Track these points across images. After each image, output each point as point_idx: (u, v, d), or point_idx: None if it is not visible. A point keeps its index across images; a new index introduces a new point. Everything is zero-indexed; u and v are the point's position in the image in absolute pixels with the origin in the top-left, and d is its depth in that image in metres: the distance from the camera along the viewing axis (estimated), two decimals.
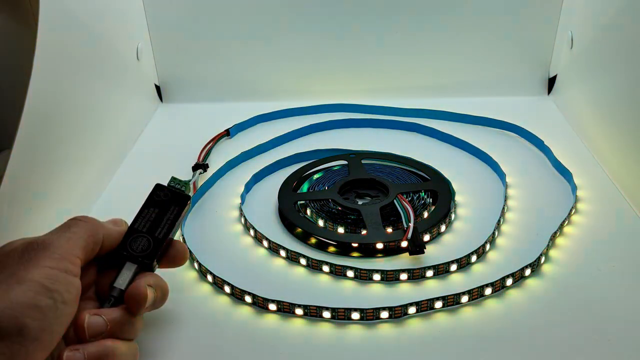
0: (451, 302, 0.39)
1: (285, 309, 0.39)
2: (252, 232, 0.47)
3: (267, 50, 0.71)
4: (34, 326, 0.28)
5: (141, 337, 0.36)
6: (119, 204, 0.51)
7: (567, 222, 0.47)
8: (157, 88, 0.73)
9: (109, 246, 0.35)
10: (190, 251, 0.43)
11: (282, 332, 0.38)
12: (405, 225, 0.45)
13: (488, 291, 0.40)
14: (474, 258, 0.44)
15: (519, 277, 0.41)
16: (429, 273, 0.42)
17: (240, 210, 0.50)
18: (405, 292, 0.41)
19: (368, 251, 0.45)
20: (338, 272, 0.43)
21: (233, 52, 0.71)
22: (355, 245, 0.45)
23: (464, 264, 0.43)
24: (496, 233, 0.46)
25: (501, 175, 0.54)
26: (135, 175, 0.57)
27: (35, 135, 0.42)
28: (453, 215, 0.49)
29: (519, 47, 0.70)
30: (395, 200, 0.48)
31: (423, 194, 0.50)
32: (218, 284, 0.42)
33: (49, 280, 0.29)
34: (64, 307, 0.30)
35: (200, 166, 0.55)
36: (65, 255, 0.31)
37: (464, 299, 0.39)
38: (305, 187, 0.53)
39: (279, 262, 0.45)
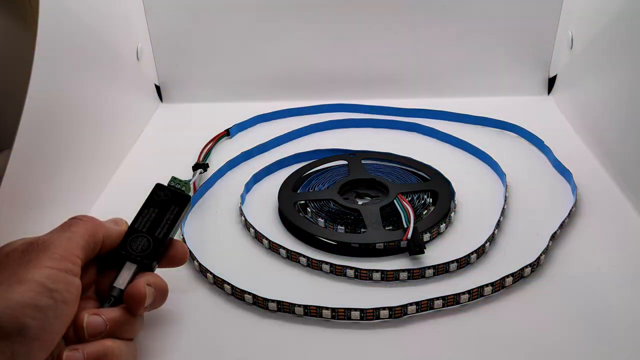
0: (451, 302, 0.39)
1: (285, 309, 0.39)
2: (251, 231, 0.47)
3: (267, 50, 0.71)
4: (34, 326, 0.28)
5: (141, 337, 0.36)
6: (119, 203, 0.51)
7: (567, 222, 0.47)
8: (157, 88, 0.73)
9: (109, 246, 0.35)
10: (190, 251, 0.43)
11: (282, 332, 0.38)
12: (405, 225, 0.46)
13: (488, 291, 0.40)
14: (474, 258, 0.44)
15: (518, 277, 0.41)
16: (429, 273, 0.42)
17: (240, 210, 0.50)
18: (405, 292, 0.41)
19: (368, 251, 0.45)
20: (338, 272, 0.43)
21: (233, 52, 0.71)
22: (355, 245, 0.45)
23: (463, 264, 0.43)
24: (496, 233, 0.46)
25: (501, 175, 0.54)
26: (135, 175, 0.57)
27: (35, 135, 0.42)
28: (453, 215, 0.49)
29: (519, 47, 0.70)
30: (395, 200, 0.48)
31: (423, 194, 0.50)
32: (218, 283, 0.42)
33: (50, 280, 0.29)
34: (64, 306, 0.30)
35: (200, 166, 0.55)
36: (65, 255, 0.31)
37: (464, 298, 0.39)
38: (305, 187, 0.53)
39: (279, 262, 0.45)
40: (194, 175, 0.53)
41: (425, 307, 0.39)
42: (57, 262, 0.30)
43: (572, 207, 0.49)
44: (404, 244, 0.45)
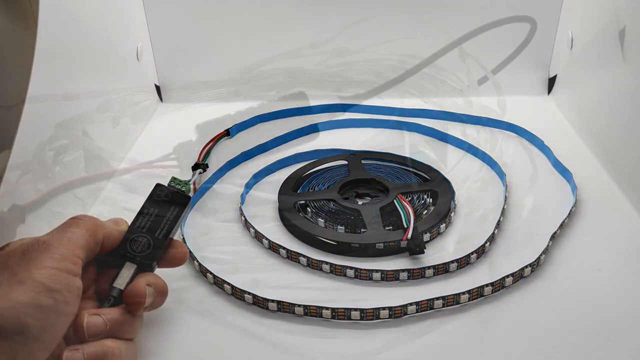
0: (451, 302, 0.39)
1: (285, 309, 0.39)
2: (251, 231, 0.48)
3: (267, 50, 0.71)
4: (35, 326, 0.28)
5: (141, 337, 0.36)
6: (119, 203, 0.51)
7: (567, 222, 0.47)
8: (157, 88, 0.73)
9: (109, 246, 0.35)
10: (190, 251, 0.43)
11: (282, 332, 0.38)
12: (405, 225, 0.46)
13: (488, 291, 0.40)
14: (474, 258, 0.44)
15: (518, 277, 0.41)
16: (429, 273, 0.42)
17: (240, 210, 0.50)
18: (405, 292, 0.41)
19: (368, 251, 0.45)
20: (338, 271, 0.43)
21: (233, 52, 0.71)
22: (355, 245, 0.45)
23: (463, 264, 0.43)
24: (496, 233, 0.46)
25: (501, 175, 0.54)
26: (135, 175, 0.57)
27: (35, 135, 0.42)
28: (453, 215, 0.49)
29: (519, 47, 0.70)
30: (395, 200, 0.48)
31: (423, 194, 0.50)
32: (218, 283, 0.42)
33: (50, 280, 0.29)
34: (65, 306, 0.30)
35: (200, 166, 0.55)
36: (66, 255, 0.31)
37: (464, 298, 0.39)
38: (305, 187, 0.53)
39: (279, 262, 0.45)
40: (193, 175, 0.53)
41: (425, 307, 0.39)
42: (58, 262, 0.30)
43: (572, 207, 0.49)
44: (404, 244, 0.45)
